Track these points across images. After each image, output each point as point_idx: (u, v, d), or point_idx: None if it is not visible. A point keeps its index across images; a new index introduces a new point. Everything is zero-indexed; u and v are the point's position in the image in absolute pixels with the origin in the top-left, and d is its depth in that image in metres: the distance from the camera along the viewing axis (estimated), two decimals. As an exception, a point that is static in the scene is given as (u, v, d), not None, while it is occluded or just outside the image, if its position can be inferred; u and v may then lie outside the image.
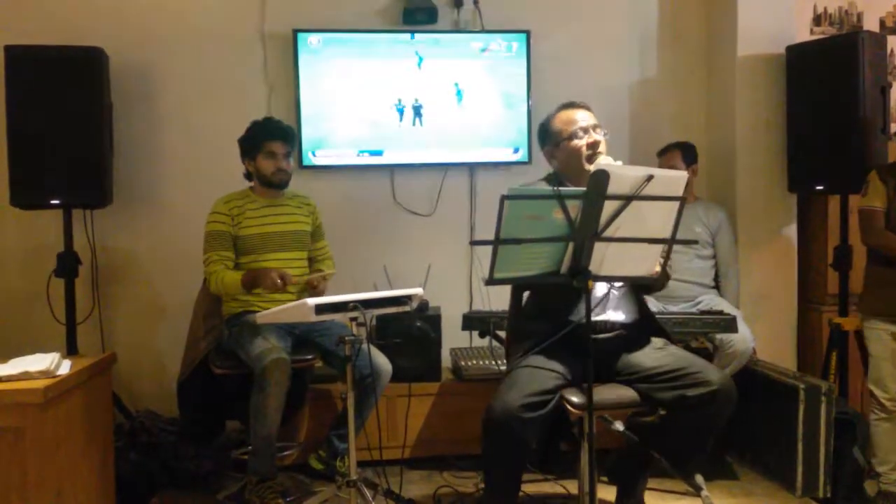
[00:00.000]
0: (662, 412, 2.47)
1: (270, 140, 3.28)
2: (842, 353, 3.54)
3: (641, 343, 2.55)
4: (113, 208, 3.66)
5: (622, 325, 2.59)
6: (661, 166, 3.71)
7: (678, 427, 2.43)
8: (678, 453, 2.50)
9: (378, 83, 3.93)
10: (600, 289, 2.59)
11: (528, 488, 3.23)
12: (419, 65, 3.95)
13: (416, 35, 3.95)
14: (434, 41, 3.96)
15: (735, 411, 2.64)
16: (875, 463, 3.16)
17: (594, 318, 2.53)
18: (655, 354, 2.48)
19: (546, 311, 2.62)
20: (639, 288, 2.66)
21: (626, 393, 2.47)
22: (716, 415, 2.38)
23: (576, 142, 2.60)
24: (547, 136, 2.71)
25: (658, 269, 2.34)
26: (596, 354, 2.45)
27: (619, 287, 2.61)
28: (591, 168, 2.49)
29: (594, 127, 2.61)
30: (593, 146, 2.58)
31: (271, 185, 3.31)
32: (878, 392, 3.11)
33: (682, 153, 3.76)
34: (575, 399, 2.37)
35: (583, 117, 2.63)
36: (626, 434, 2.62)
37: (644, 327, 2.61)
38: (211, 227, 3.23)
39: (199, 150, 3.91)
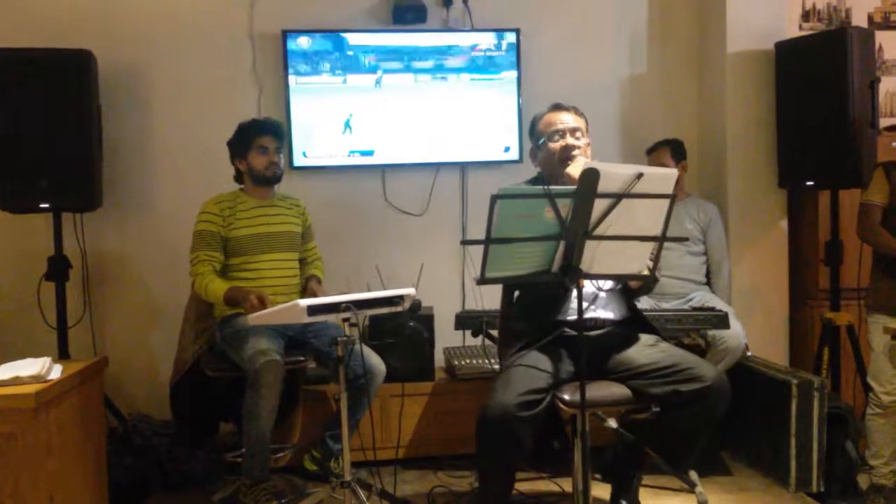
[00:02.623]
0: (656, 409, 2.47)
1: (261, 135, 3.28)
2: (834, 348, 3.55)
3: (631, 340, 2.55)
4: (103, 211, 3.65)
5: (611, 323, 2.60)
6: (650, 164, 3.72)
7: (672, 423, 2.42)
8: (673, 450, 2.49)
9: (367, 83, 3.92)
10: (588, 287, 2.59)
11: (522, 486, 3.23)
12: (409, 65, 3.94)
13: (406, 34, 3.95)
14: (423, 40, 3.95)
15: (728, 407, 2.63)
16: (868, 456, 3.17)
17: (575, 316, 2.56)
18: (647, 351, 2.47)
19: (534, 310, 2.64)
20: (624, 291, 2.66)
21: (618, 390, 2.46)
22: (710, 410, 2.37)
23: (551, 144, 2.63)
24: (532, 136, 2.75)
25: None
26: (587, 352, 2.48)
27: (608, 287, 2.61)
28: (568, 171, 2.54)
29: (573, 130, 2.62)
30: (566, 150, 2.60)
31: (265, 180, 3.30)
32: (876, 386, 3.13)
33: (671, 150, 3.77)
34: (567, 397, 2.37)
35: (564, 120, 2.65)
36: (620, 432, 2.62)
37: (633, 325, 2.61)
38: (200, 227, 3.22)
39: (190, 151, 3.90)
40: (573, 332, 2.56)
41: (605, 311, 2.61)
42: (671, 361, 2.40)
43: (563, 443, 2.82)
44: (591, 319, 2.58)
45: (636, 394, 2.44)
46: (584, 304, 2.50)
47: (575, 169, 2.51)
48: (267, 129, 3.31)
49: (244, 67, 3.95)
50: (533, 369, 2.41)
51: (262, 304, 2.96)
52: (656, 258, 2.28)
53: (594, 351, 2.50)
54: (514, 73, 4.00)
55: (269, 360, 2.88)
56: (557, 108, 2.69)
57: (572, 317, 2.57)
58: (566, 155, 2.59)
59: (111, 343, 3.87)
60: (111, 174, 3.74)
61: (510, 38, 4.00)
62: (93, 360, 2.90)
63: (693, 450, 2.51)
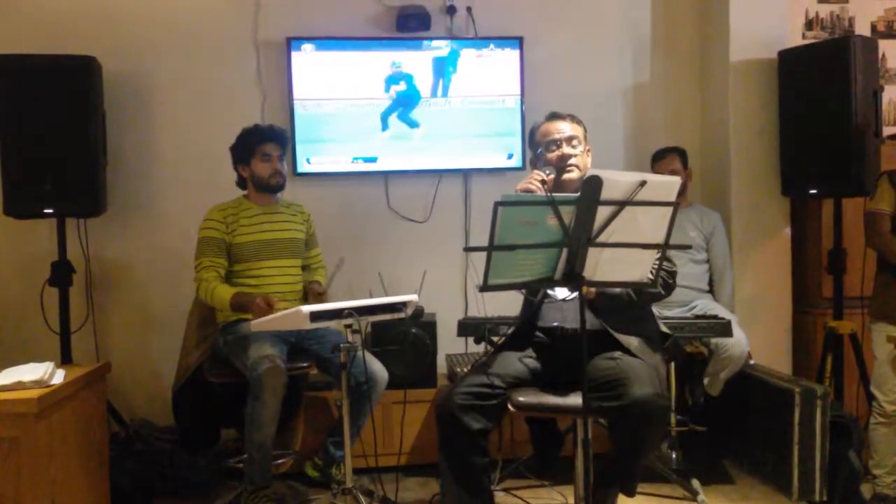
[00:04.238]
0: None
1: (264, 142, 3.29)
2: (837, 357, 3.54)
3: (594, 353, 2.46)
4: (107, 217, 3.66)
5: (574, 333, 2.54)
6: (658, 171, 3.71)
7: (613, 440, 2.40)
8: (610, 466, 2.44)
9: (372, 89, 3.93)
10: (560, 294, 2.59)
11: (525, 494, 3.23)
12: (412, 71, 3.96)
13: (409, 42, 3.96)
14: (427, 48, 3.97)
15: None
16: (872, 465, 3.16)
17: (550, 324, 2.59)
18: (602, 364, 2.42)
19: (522, 314, 2.70)
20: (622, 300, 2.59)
21: (569, 400, 2.41)
22: (633, 431, 2.28)
23: (548, 155, 2.63)
24: (531, 146, 2.76)
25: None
26: (551, 359, 2.55)
27: (572, 297, 2.57)
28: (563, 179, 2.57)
29: (569, 139, 2.62)
30: (562, 160, 2.60)
31: (268, 187, 3.31)
32: (879, 395, 3.12)
33: (681, 157, 3.79)
34: (519, 398, 2.41)
35: (560, 129, 2.64)
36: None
37: (600, 340, 2.50)
38: (204, 234, 3.23)
39: (193, 158, 3.91)
40: (544, 338, 2.61)
41: (572, 323, 2.55)
42: (612, 377, 2.33)
43: (556, 446, 2.80)
44: (557, 328, 2.58)
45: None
46: (551, 312, 2.60)
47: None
48: (270, 136, 3.32)
49: (249, 74, 3.96)
50: (488, 367, 2.49)
51: (270, 307, 2.96)
52: (660, 264, 2.27)
53: (559, 360, 2.51)
54: (517, 81, 4.01)
55: (271, 367, 2.88)
56: (554, 117, 2.69)
57: (543, 323, 2.61)
58: (562, 164, 2.59)
59: (114, 348, 3.88)
60: (115, 180, 3.75)
61: (513, 46, 4.01)
62: (95, 366, 2.91)
63: (626, 469, 2.42)
